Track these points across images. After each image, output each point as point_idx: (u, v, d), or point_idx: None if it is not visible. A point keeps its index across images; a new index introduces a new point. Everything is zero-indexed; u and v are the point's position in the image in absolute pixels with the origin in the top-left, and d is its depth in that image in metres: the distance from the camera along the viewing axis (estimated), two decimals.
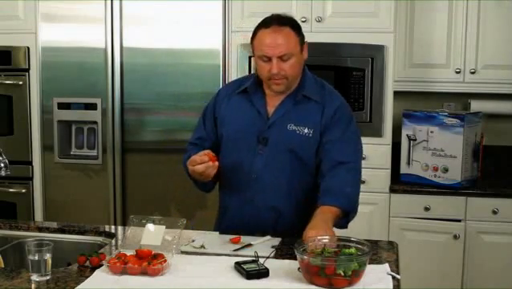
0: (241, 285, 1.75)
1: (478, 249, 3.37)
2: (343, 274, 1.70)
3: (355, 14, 3.36)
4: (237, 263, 1.87)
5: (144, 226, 2.01)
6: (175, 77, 3.50)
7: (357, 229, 3.20)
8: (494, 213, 3.35)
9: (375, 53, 3.36)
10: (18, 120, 3.71)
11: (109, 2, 3.48)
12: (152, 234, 1.98)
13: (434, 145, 3.44)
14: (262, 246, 2.07)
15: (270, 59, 2.14)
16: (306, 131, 2.21)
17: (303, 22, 3.39)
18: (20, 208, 3.74)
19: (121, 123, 3.56)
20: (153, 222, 2.02)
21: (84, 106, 3.59)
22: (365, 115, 3.40)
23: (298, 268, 1.78)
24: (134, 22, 3.51)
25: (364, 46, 3.37)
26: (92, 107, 3.57)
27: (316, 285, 1.72)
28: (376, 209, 3.45)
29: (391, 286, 1.76)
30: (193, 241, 2.12)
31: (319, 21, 3.39)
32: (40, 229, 2.40)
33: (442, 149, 3.41)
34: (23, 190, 3.72)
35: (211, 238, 2.17)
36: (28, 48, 3.65)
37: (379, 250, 2.08)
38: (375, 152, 3.39)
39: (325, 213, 2.06)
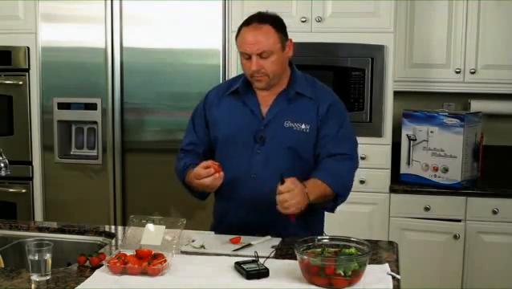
0: (241, 285, 1.75)
1: (478, 249, 3.37)
2: (343, 274, 1.70)
3: (355, 14, 3.36)
4: (237, 263, 1.87)
5: (144, 226, 2.01)
6: (175, 77, 3.50)
7: (357, 229, 3.23)
8: (494, 213, 3.35)
9: (375, 53, 3.36)
10: (18, 120, 3.71)
11: (109, 2, 3.48)
12: (152, 234, 1.99)
13: (434, 145, 3.44)
14: (262, 246, 2.07)
15: (250, 57, 2.16)
16: (303, 127, 2.22)
17: (303, 22, 3.39)
18: (20, 208, 3.74)
19: (121, 123, 3.56)
20: (153, 222, 2.02)
21: (84, 106, 3.59)
22: (365, 115, 3.40)
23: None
24: (134, 22, 3.51)
25: (364, 46, 3.37)
26: (92, 107, 3.57)
27: (316, 285, 1.72)
28: (376, 209, 3.45)
29: (391, 286, 1.75)
30: (193, 241, 2.12)
31: (319, 21, 3.39)
32: (40, 229, 2.40)
33: (442, 149, 3.41)
34: (23, 190, 3.72)
35: (211, 238, 2.17)
36: (28, 48, 3.65)
37: (379, 250, 2.08)
38: (375, 152, 3.40)
39: (314, 182, 2.10)
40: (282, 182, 2.00)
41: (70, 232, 2.35)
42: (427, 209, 3.41)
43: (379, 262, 1.94)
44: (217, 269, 1.87)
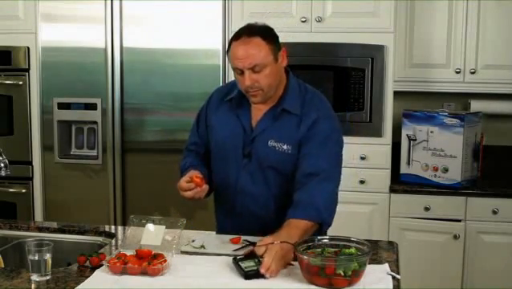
0: (240, 285, 1.75)
1: (478, 249, 3.37)
2: (343, 274, 1.70)
3: (355, 14, 3.36)
4: (235, 260, 1.85)
5: (144, 226, 2.01)
6: (175, 77, 3.50)
7: (357, 229, 3.22)
8: (494, 213, 3.35)
9: (375, 53, 3.36)
10: (18, 120, 3.71)
11: (109, 2, 3.48)
12: (152, 234, 1.99)
13: (434, 145, 3.44)
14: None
15: (242, 72, 2.09)
16: (285, 147, 2.16)
17: (303, 22, 3.39)
18: (20, 208, 3.74)
19: (121, 123, 3.56)
20: (153, 222, 2.02)
21: (84, 106, 3.59)
22: (365, 115, 3.40)
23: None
24: (134, 22, 3.51)
25: (364, 46, 3.36)
26: (92, 107, 3.57)
27: (316, 285, 1.72)
28: (376, 209, 3.45)
29: (391, 286, 1.76)
30: (193, 241, 2.12)
31: (319, 21, 3.39)
32: (40, 229, 2.40)
33: (442, 149, 3.41)
34: (23, 190, 3.72)
35: (211, 238, 2.17)
36: (28, 48, 3.65)
37: (379, 250, 2.08)
38: (375, 152, 3.40)
39: (291, 228, 1.96)
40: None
41: (70, 232, 2.35)
42: (427, 209, 3.41)
43: (379, 262, 1.94)
44: (217, 269, 1.87)
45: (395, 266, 1.91)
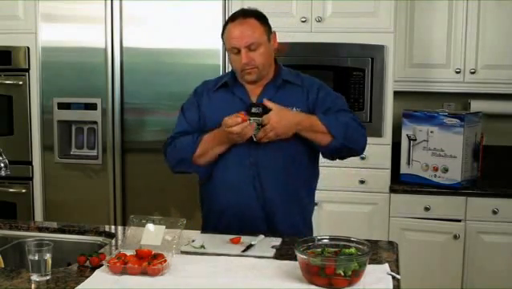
0: (241, 285, 1.75)
1: (478, 249, 3.37)
2: (343, 274, 1.70)
3: (355, 14, 3.36)
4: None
5: (144, 226, 2.01)
6: (175, 77, 3.50)
7: (357, 229, 3.23)
8: (494, 213, 3.35)
9: (375, 53, 3.36)
10: (18, 120, 3.71)
11: (109, 2, 3.48)
12: (152, 234, 1.98)
13: (434, 145, 3.44)
14: (263, 245, 2.07)
15: (239, 51, 2.22)
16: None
17: (303, 22, 3.39)
18: (20, 208, 3.74)
19: (121, 123, 3.56)
20: (153, 222, 2.02)
21: (84, 106, 3.59)
22: (365, 115, 3.40)
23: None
24: (134, 22, 3.51)
25: (364, 46, 3.37)
26: (92, 107, 3.57)
27: (316, 285, 1.72)
28: (376, 209, 3.45)
29: (391, 286, 1.75)
30: (193, 241, 2.12)
31: (319, 21, 3.39)
32: (40, 229, 2.40)
33: (442, 149, 3.41)
34: (23, 190, 3.72)
35: (211, 238, 2.17)
36: (28, 48, 3.65)
37: (379, 250, 2.08)
38: (375, 152, 3.39)
39: (310, 117, 2.22)
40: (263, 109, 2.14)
41: (70, 232, 2.35)
42: (427, 209, 3.41)
43: (379, 262, 1.94)
44: (217, 269, 1.87)
45: (395, 266, 1.91)
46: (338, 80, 3.37)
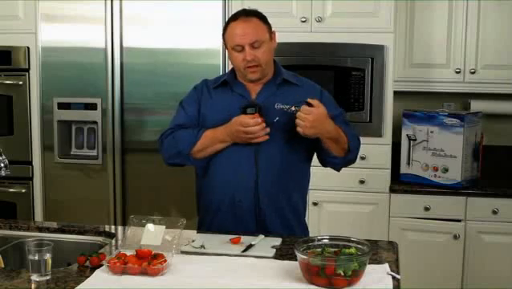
0: (241, 285, 1.75)
1: (478, 249, 3.37)
2: (343, 274, 1.70)
3: (355, 14, 3.36)
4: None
5: (144, 226, 2.01)
6: (175, 77, 3.50)
7: (357, 229, 3.23)
8: (494, 213, 3.35)
9: (375, 53, 3.36)
10: (18, 120, 3.71)
11: (109, 2, 3.48)
12: (152, 234, 1.98)
13: (434, 145, 3.44)
14: (263, 246, 2.07)
15: (242, 48, 2.24)
16: (293, 109, 2.26)
17: (303, 22, 3.39)
18: (20, 208, 3.74)
19: (121, 123, 3.56)
20: (153, 222, 2.02)
21: (84, 106, 3.59)
22: (365, 115, 3.40)
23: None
24: (134, 22, 3.51)
25: (364, 46, 3.37)
26: (92, 107, 3.57)
27: (316, 285, 1.72)
28: (376, 209, 3.45)
29: (391, 286, 1.75)
30: (193, 241, 2.12)
31: (319, 21, 3.39)
32: (40, 229, 2.40)
33: (442, 149, 3.41)
34: (23, 190, 3.72)
35: (211, 238, 2.17)
36: (28, 48, 3.65)
37: (379, 250, 2.08)
38: (375, 152, 3.40)
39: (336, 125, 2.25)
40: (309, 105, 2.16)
41: (70, 232, 2.35)
42: (427, 209, 3.41)
43: (379, 262, 1.94)
44: (217, 269, 1.87)
45: (395, 266, 1.91)
46: (338, 80, 3.37)
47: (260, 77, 2.29)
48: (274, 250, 2.04)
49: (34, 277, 1.78)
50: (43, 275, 1.78)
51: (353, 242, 1.84)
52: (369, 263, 1.78)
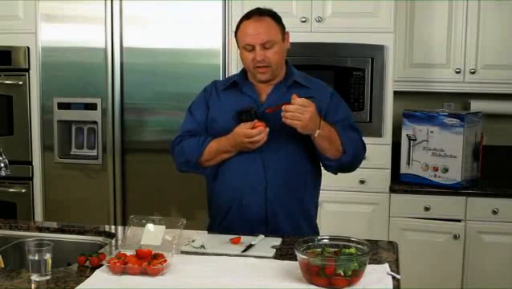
0: (241, 285, 1.75)
1: (478, 249, 3.37)
2: (343, 274, 1.70)
3: (355, 14, 3.36)
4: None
5: (144, 226, 2.01)
6: (175, 77, 3.50)
7: (357, 229, 3.23)
8: (494, 213, 3.35)
9: (375, 53, 3.36)
10: (18, 120, 3.71)
11: (109, 2, 3.48)
12: (152, 234, 1.98)
13: (434, 145, 3.44)
14: (263, 245, 2.07)
15: (253, 48, 2.21)
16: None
17: (303, 22, 3.39)
18: (20, 208, 3.74)
19: (121, 123, 3.56)
20: (153, 222, 2.02)
21: (84, 106, 3.59)
22: (365, 115, 3.40)
23: None
24: (134, 22, 3.51)
25: (364, 46, 3.37)
26: (92, 107, 3.57)
27: (316, 285, 1.72)
28: (376, 209, 3.45)
29: (391, 286, 1.75)
30: (193, 241, 2.12)
31: (319, 21, 3.39)
32: (40, 229, 2.40)
33: (442, 149, 3.41)
34: (23, 190, 3.72)
35: (211, 238, 2.17)
36: (28, 48, 3.65)
37: (379, 250, 2.08)
38: (375, 152, 3.39)
39: (328, 125, 2.20)
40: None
41: (70, 232, 2.35)
42: (427, 209, 3.41)
43: (379, 262, 1.94)
44: (217, 269, 1.87)
45: (395, 266, 1.91)
46: (338, 80, 3.37)
47: (270, 78, 2.27)
48: (274, 250, 2.04)
49: (34, 277, 1.78)
50: (43, 275, 1.78)
51: (353, 242, 1.84)
52: (369, 263, 1.78)
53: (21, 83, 3.68)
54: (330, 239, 1.87)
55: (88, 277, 1.80)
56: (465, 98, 3.74)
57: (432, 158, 3.44)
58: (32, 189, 3.73)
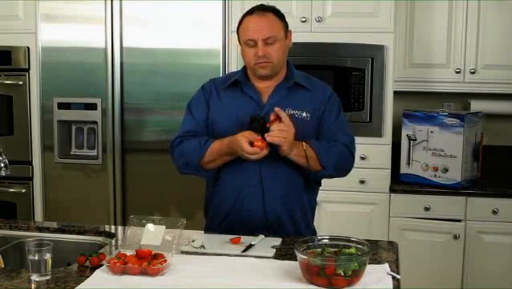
0: (241, 285, 1.75)
1: (478, 249, 3.37)
2: (343, 274, 1.70)
3: (355, 14, 3.36)
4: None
5: (144, 226, 2.01)
6: (175, 77, 3.50)
7: (357, 229, 3.23)
8: (494, 213, 3.35)
9: (375, 53, 3.36)
10: (18, 120, 3.71)
11: (109, 2, 3.48)
12: (152, 234, 1.98)
13: (434, 145, 3.44)
14: (263, 246, 2.07)
15: (255, 43, 2.20)
16: (304, 115, 2.25)
17: (303, 22, 3.39)
18: (20, 208, 3.74)
19: (121, 123, 3.56)
20: (153, 222, 2.02)
21: (84, 106, 3.59)
22: (365, 115, 3.40)
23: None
24: (134, 22, 3.51)
25: (364, 46, 3.37)
26: (92, 107, 3.57)
27: (316, 285, 1.72)
28: (376, 209, 3.45)
29: (391, 286, 1.75)
30: (193, 241, 2.12)
31: (319, 21, 3.39)
32: (40, 229, 2.40)
33: (442, 149, 3.41)
34: (23, 190, 3.72)
35: (211, 238, 2.17)
36: (28, 48, 3.65)
37: (379, 250, 2.08)
38: (375, 152, 3.40)
39: (304, 144, 2.19)
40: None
41: (70, 232, 2.35)
42: (427, 209, 3.41)
43: (379, 262, 1.94)
44: (217, 269, 1.87)
45: (395, 266, 1.91)
46: (338, 80, 3.37)
47: (270, 73, 2.25)
48: (274, 250, 2.04)
49: (34, 277, 1.78)
50: (43, 275, 1.78)
51: (353, 242, 1.84)
52: (369, 263, 1.78)
53: (21, 83, 3.68)
54: (330, 239, 1.87)
55: (88, 277, 1.80)
56: (465, 98, 3.75)
57: (432, 158, 3.44)
58: (32, 189, 3.73)
